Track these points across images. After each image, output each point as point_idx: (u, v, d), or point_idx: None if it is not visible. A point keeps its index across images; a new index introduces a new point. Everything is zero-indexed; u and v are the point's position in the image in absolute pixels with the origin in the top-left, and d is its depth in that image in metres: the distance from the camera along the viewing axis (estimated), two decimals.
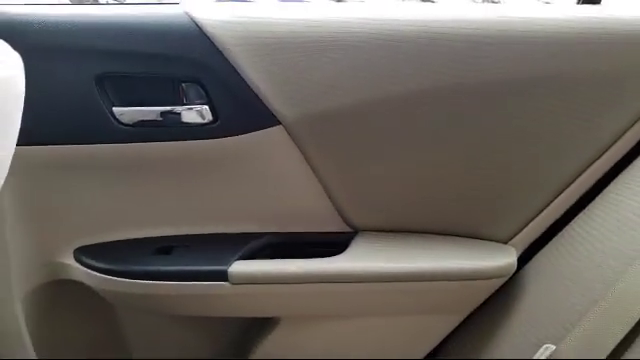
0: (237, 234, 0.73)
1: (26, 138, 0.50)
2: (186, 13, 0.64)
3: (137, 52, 0.63)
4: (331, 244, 0.72)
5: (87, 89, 0.63)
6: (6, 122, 0.47)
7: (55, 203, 0.69)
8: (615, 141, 0.67)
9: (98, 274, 0.69)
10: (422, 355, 0.74)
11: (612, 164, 0.68)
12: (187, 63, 0.65)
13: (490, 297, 0.72)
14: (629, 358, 0.57)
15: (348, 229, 0.73)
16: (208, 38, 0.64)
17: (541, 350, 0.65)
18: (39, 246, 0.71)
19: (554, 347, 0.64)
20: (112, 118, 0.64)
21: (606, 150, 0.67)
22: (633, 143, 0.67)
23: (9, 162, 0.50)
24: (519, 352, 0.66)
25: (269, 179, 0.71)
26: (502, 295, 0.72)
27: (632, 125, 0.66)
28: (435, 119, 0.67)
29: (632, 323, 0.58)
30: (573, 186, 0.69)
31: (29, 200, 0.67)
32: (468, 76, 0.64)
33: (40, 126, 0.58)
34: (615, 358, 0.58)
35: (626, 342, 0.58)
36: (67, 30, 0.62)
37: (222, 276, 0.67)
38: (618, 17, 0.65)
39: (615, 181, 0.68)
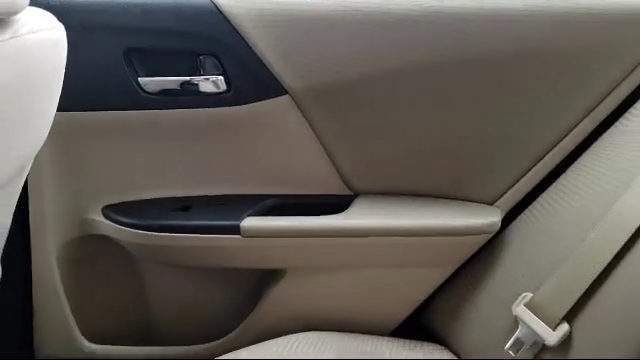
0: (248, 195, 0.81)
1: (62, 105, 0.58)
2: None
3: (161, 29, 0.72)
4: (333, 205, 0.80)
5: (116, 62, 0.72)
6: (51, 89, 0.55)
7: (86, 165, 0.78)
8: (588, 113, 0.74)
9: (124, 228, 0.78)
10: (414, 306, 0.82)
11: (586, 134, 0.75)
12: (205, 38, 0.73)
13: (476, 253, 0.79)
14: (593, 306, 0.65)
15: (349, 192, 0.81)
16: (224, 16, 0.72)
17: (519, 299, 0.73)
18: (71, 203, 0.79)
19: (531, 295, 0.72)
20: (138, 87, 0.73)
21: (580, 121, 0.74)
22: (604, 115, 0.74)
23: (50, 125, 0.58)
24: (501, 301, 0.74)
25: (277, 145, 0.78)
26: (487, 251, 0.80)
27: (603, 99, 0.73)
28: (427, 91, 0.75)
29: (597, 273, 0.65)
30: (552, 153, 0.76)
31: (63, 161, 0.75)
32: (456, 52, 0.72)
33: (74, 95, 0.65)
34: (581, 304, 0.66)
35: (591, 290, 0.66)
36: (100, 10, 0.70)
37: (235, 230, 0.75)
38: None
39: (589, 149, 0.75)
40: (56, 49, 0.51)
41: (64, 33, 0.53)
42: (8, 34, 0.42)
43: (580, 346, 0.65)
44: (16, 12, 0.42)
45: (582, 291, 0.66)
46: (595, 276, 0.66)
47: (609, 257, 0.65)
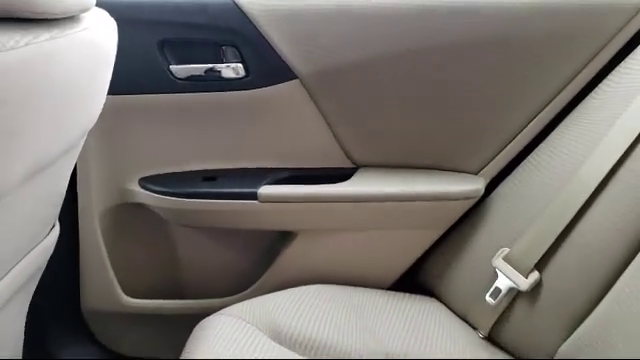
0: (264, 168, 0.92)
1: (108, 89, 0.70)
2: None
3: (189, 23, 0.83)
4: (338, 176, 0.91)
5: (151, 52, 0.83)
6: (104, 75, 0.66)
7: (125, 142, 0.89)
8: (558, 93, 0.84)
9: (157, 196, 0.90)
10: (409, 263, 0.93)
11: (559, 110, 0.86)
12: (226, 31, 0.84)
13: (463, 216, 0.91)
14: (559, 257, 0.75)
15: (351, 164, 0.92)
16: (242, 12, 0.83)
17: (498, 253, 0.83)
18: (112, 175, 0.91)
19: (508, 249, 0.83)
20: (169, 74, 0.85)
21: (552, 100, 0.85)
22: (573, 94, 0.85)
23: (101, 107, 0.69)
24: (483, 256, 0.85)
25: (288, 124, 0.90)
26: (472, 214, 0.91)
27: (571, 80, 0.84)
28: (417, 75, 0.86)
29: (562, 227, 0.75)
30: (527, 128, 0.87)
31: (105, 139, 0.87)
32: (440, 40, 0.83)
33: (116, 80, 0.76)
34: (549, 255, 0.77)
35: (557, 243, 0.76)
36: (138, 7, 0.82)
37: (253, 196, 0.87)
38: None
39: (560, 124, 0.85)
40: (111, 40, 0.63)
41: (116, 27, 0.65)
42: (80, 27, 0.53)
43: (549, 290, 0.76)
44: (86, 10, 0.54)
45: (550, 244, 0.77)
46: (560, 230, 0.76)
47: (572, 214, 0.75)
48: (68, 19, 0.53)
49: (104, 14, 0.63)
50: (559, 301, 0.75)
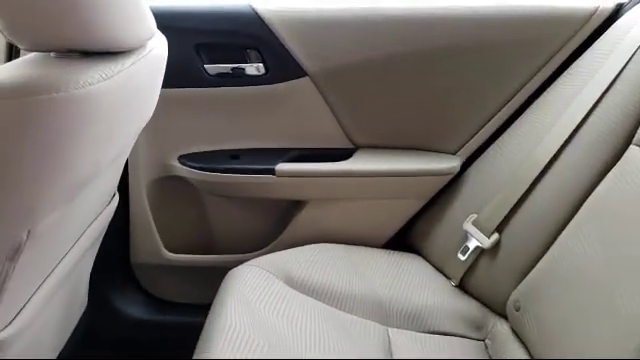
0: (280, 148, 1.11)
1: None
2: (249, 5, 1.00)
3: (220, 30, 1.01)
4: (341, 155, 1.10)
5: (190, 53, 1.01)
6: (160, 80, 0.83)
7: (168, 126, 1.07)
8: (522, 87, 1.02)
9: (193, 170, 1.09)
10: (399, 226, 1.13)
11: (521, 102, 1.03)
12: (249, 36, 1.02)
13: (442, 188, 1.09)
14: (516, 220, 0.93)
15: (351, 145, 1.11)
16: (263, 21, 1.00)
17: (468, 218, 1.01)
18: (156, 153, 1.10)
19: (476, 215, 1.01)
20: (204, 71, 1.03)
21: (516, 93, 1.03)
22: (533, 90, 1.02)
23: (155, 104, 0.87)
24: (457, 222, 1.03)
25: (300, 112, 1.08)
26: (450, 187, 1.10)
27: (532, 77, 1.01)
28: (406, 71, 1.04)
29: (519, 196, 0.93)
30: (497, 116, 1.05)
31: (152, 124, 1.05)
32: (426, 43, 1.00)
33: (163, 77, 0.94)
34: (508, 219, 0.95)
35: (514, 209, 0.94)
36: (179, 16, 1.00)
37: (271, 171, 1.07)
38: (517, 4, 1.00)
39: (523, 114, 1.03)
40: (165, 53, 0.80)
41: (166, 42, 0.82)
42: (147, 50, 0.71)
43: (505, 248, 0.95)
44: (151, 37, 0.71)
45: (507, 210, 0.95)
46: (516, 200, 0.95)
47: (526, 186, 0.94)
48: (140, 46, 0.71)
49: (158, 33, 0.80)
50: (513, 256, 0.94)
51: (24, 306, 0.68)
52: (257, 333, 0.81)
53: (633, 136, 0.82)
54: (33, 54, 0.62)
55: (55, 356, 0.92)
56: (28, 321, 0.68)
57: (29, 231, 0.58)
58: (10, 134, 0.52)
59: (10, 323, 0.65)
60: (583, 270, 0.79)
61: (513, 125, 1.03)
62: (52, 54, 0.60)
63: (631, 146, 0.82)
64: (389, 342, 0.89)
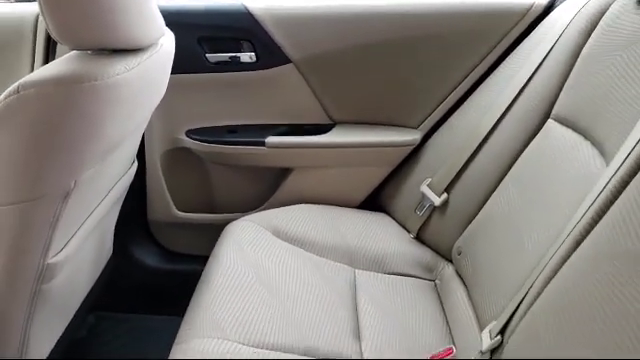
0: (270, 124, 1.31)
1: None
2: (242, 4, 1.19)
3: (219, 25, 1.21)
4: (321, 129, 1.30)
5: (194, 44, 1.21)
6: (168, 70, 1.03)
7: (177, 105, 1.27)
8: (472, 70, 1.22)
9: (198, 142, 1.29)
10: (370, 190, 1.33)
11: (471, 83, 1.23)
12: (243, 30, 1.22)
13: (405, 158, 1.29)
14: (462, 181, 1.12)
15: (330, 121, 1.31)
16: (253, 17, 1.20)
17: (424, 182, 1.20)
18: (168, 128, 1.30)
19: (430, 179, 1.20)
20: (206, 60, 1.23)
21: (467, 75, 1.22)
22: (481, 73, 1.21)
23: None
24: (417, 185, 1.22)
25: (286, 93, 1.28)
26: (411, 157, 1.30)
27: (479, 63, 1.21)
28: (377, 58, 1.23)
29: (465, 159, 1.12)
30: (451, 96, 1.25)
31: (164, 104, 1.21)
32: (395, 33, 1.21)
33: (172, 65, 1.13)
34: (456, 179, 1.14)
35: (461, 171, 1.13)
36: (184, 14, 1.20)
37: (262, 143, 1.27)
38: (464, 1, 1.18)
39: (473, 94, 1.22)
40: (172, 47, 1.00)
41: (174, 37, 1.01)
42: (159, 45, 0.90)
43: (452, 204, 1.14)
44: (162, 36, 0.90)
45: (454, 174, 1.15)
46: (461, 166, 1.14)
47: (469, 153, 1.12)
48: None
49: (167, 31, 0.99)
50: (457, 212, 1.13)
51: (69, 240, 0.89)
52: (248, 270, 1.01)
53: (551, 111, 1.01)
54: (73, 52, 0.82)
55: (87, 291, 1.13)
56: (72, 253, 0.89)
57: (75, 181, 0.79)
58: (63, 111, 0.72)
59: (61, 250, 0.86)
60: (506, 218, 0.99)
61: (463, 104, 1.22)
62: (89, 52, 0.80)
63: (549, 120, 1.01)
64: (354, 279, 1.10)
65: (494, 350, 0.81)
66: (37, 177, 0.74)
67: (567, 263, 0.70)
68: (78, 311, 1.14)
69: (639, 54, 0.80)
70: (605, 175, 0.72)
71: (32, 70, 1.28)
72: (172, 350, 0.86)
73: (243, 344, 0.85)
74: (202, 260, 1.11)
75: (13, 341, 0.88)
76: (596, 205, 0.70)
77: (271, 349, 0.86)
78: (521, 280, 0.84)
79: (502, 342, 0.79)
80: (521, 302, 0.78)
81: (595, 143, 0.85)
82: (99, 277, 1.22)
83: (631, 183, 0.65)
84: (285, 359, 0.86)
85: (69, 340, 1.13)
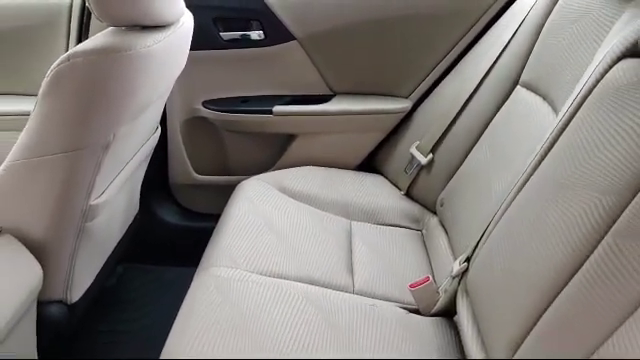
0: (276, 95, 1.46)
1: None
2: None
3: (231, 7, 1.36)
4: (322, 99, 1.45)
5: (209, 24, 1.36)
6: (188, 45, 1.17)
7: (195, 78, 1.42)
8: (455, 44, 1.36)
9: (213, 111, 1.45)
10: (366, 153, 1.48)
11: (456, 55, 1.37)
12: (253, 11, 1.37)
13: (397, 124, 1.44)
14: (445, 142, 1.26)
15: (330, 92, 1.46)
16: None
17: (413, 144, 1.35)
18: (186, 99, 1.46)
19: (419, 142, 1.34)
20: (220, 38, 1.38)
21: (451, 49, 1.37)
22: (463, 47, 1.36)
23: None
24: (406, 148, 1.37)
25: (291, 67, 1.43)
26: (402, 123, 1.45)
27: (461, 38, 1.35)
28: (372, 34, 1.38)
29: (448, 121, 1.26)
30: (437, 68, 1.39)
31: (184, 77, 1.35)
32: (388, 12, 1.37)
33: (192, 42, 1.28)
34: (440, 141, 1.28)
35: (444, 134, 1.27)
36: None
37: (270, 112, 1.43)
38: None
39: (457, 65, 1.36)
40: (191, 25, 1.14)
41: (192, 16, 1.16)
42: (181, 23, 1.05)
43: (437, 164, 1.29)
44: (183, 14, 1.05)
45: (439, 136, 1.29)
46: (445, 128, 1.28)
47: (451, 118, 1.27)
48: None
49: (187, 11, 1.14)
50: (441, 170, 1.28)
51: (107, 187, 1.06)
52: (257, 219, 1.17)
53: (519, 79, 1.15)
54: (110, 28, 0.97)
55: (117, 241, 1.29)
56: (109, 198, 1.05)
57: (114, 134, 0.95)
58: (104, 75, 0.88)
59: (101, 194, 1.03)
60: (479, 172, 1.13)
61: (448, 75, 1.37)
62: (123, 28, 0.95)
63: (517, 86, 1.14)
64: (350, 228, 1.25)
65: (462, 275, 0.96)
66: (84, 130, 0.90)
67: (518, 196, 0.85)
68: (109, 261, 1.30)
69: (584, 27, 0.94)
70: (553, 124, 0.86)
71: (67, 46, 1.44)
72: (194, 277, 1.02)
73: (251, 272, 1.00)
74: (217, 218, 1.26)
75: (60, 275, 1.05)
76: (544, 147, 0.84)
77: (274, 277, 1.01)
78: (488, 218, 0.99)
79: (468, 268, 0.94)
80: (484, 233, 0.92)
81: (550, 102, 0.99)
82: (127, 231, 1.39)
83: (568, 126, 0.79)
84: (287, 284, 1.01)
85: (100, 287, 1.29)
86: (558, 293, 0.67)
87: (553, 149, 0.81)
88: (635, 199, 0.61)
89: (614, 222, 0.62)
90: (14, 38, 1.45)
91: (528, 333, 0.70)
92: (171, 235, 1.58)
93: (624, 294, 0.59)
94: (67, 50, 1.43)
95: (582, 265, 0.65)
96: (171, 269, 1.58)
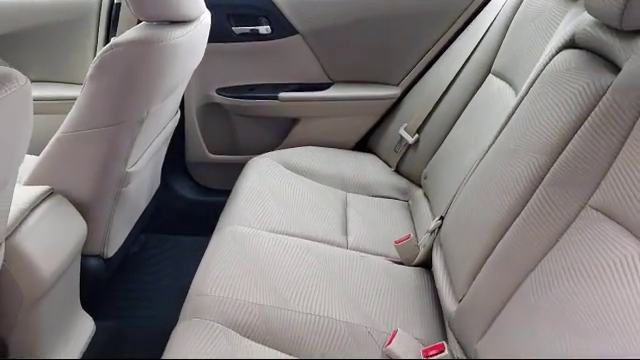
0: (282, 83, 1.63)
1: None
2: None
3: (242, 4, 1.52)
4: (322, 87, 1.62)
5: (223, 20, 1.52)
6: (206, 38, 1.34)
7: (208, 68, 1.58)
8: (440, 37, 1.53)
9: (225, 97, 1.62)
10: (361, 134, 1.65)
11: (440, 47, 1.53)
12: (261, 9, 1.54)
13: (388, 109, 1.60)
14: (431, 122, 1.43)
15: (329, 80, 1.64)
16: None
17: (402, 126, 1.52)
18: (201, 87, 1.63)
19: (407, 124, 1.51)
20: (232, 32, 1.54)
21: (437, 40, 1.54)
22: (448, 38, 1.53)
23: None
24: (395, 129, 1.54)
25: (295, 58, 1.60)
26: (393, 108, 1.61)
27: (446, 31, 1.52)
28: (365, 31, 1.54)
29: (433, 103, 1.43)
30: (424, 58, 1.56)
31: (200, 67, 1.54)
32: (381, 11, 1.53)
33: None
34: (425, 122, 1.45)
35: (430, 115, 1.44)
36: None
37: (276, 98, 1.60)
38: None
39: (441, 56, 1.52)
40: (209, 21, 1.31)
41: (209, 13, 1.33)
42: (201, 19, 1.22)
43: (422, 143, 1.46)
44: (204, 12, 1.22)
45: (424, 118, 1.46)
46: (429, 111, 1.45)
47: (434, 102, 1.43)
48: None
49: (206, 9, 1.31)
50: (426, 147, 1.45)
51: (139, 157, 1.23)
52: (265, 189, 1.34)
53: (491, 68, 1.32)
54: (143, 23, 1.13)
55: (144, 207, 1.47)
56: (140, 167, 1.23)
57: (147, 112, 1.12)
58: (140, 62, 1.05)
59: (135, 163, 1.20)
60: (456, 148, 1.31)
61: (432, 66, 1.55)
62: (154, 23, 1.12)
63: (490, 74, 1.31)
64: (346, 199, 1.42)
65: (438, 231, 1.13)
66: (123, 107, 1.08)
67: (482, 162, 1.02)
68: (136, 225, 1.48)
69: (540, 24, 1.11)
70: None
71: (96, 40, 1.61)
72: (213, 235, 1.19)
73: (261, 229, 1.18)
74: (228, 193, 1.42)
75: (100, 232, 1.22)
76: (503, 122, 1.01)
77: (281, 234, 1.19)
78: (460, 183, 1.16)
79: (442, 224, 1.11)
80: (455, 195, 1.09)
81: (514, 87, 1.16)
82: (150, 202, 1.56)
83: (520, 105, 0.96)
84: (292, 239, 1.18)
85: (125, 253, 1.47)
86: (504, 233, 0.84)
87: (509, 123, 0.98)
88: (560, 157, 0.78)
89: (545, 175, 0.80)
90: (50, 32, 1.63)
91: (483, 264, 0.87)
92: (187, 208, 1.76)
93: (550, 229, 0.76)
94: (96, 43, 1.62)
95: (522, 210, 0.82)
96: (187, 238, 1.76)
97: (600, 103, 0.75)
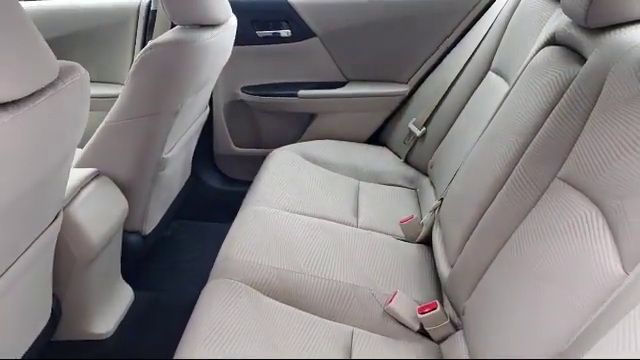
0: (301, 82, 1.77)
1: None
2: None
3: (265, 10, 1.66)
4: (338, 85, 1.75)
5: (248, 24, 1.67)
6: (233, 40, 1.48)
7: (234, 69, 1.72)
8: (447, 37, 1.65)
9: (249, 95, 1.77)
10: (374, 129, 1.78)
11: (447, 47, 1.64)
12: (282, 14, 1.68)
13: (398, 105, 1.72)
14: (436, 118, 1.54)
15: (344, 79, 1.77)
16: (289, 5, 1.65)
17: (411, 121, 1.63)
18: (228, 85, 1.78)
19: (415, 118, 1.62)
20: (256, 35, 1.69)
21: (443, 41, 1.65)
22: (454, 39, 1.65)
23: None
24: (405, 124, 1.65)
25: (313, 59, 1.74)
26: (403, 104, 1.74)
27: (452, 32, 1.63)
28: (381, 32, 1.68)
29: (438, 99, 1.55)
30: (432, 57, 1.68)
31: (227, 66, 1.69)
32: (392, 13, 1.66)
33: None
34: (430, 118, 1.56)
35: (435, 110, 1.55)
36: (243, 4, 1.64)
37: (295, 95, 1.74)
38: None
39: (447, 55, 1.64)
40: (235, 24, 1.45)
41: (235, 17, 1.47)
42: (229, 22, 1.36)
43: (429, 135, 1.57)
44: (230, 16, 1.36)
45: (430, 112, 1.57)
46: (434, 106, 1.56)
47: (439, 98, 1.55)
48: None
49: (232, 14, 1.45)
50: (431, 139, 1.57)
51: (174, 145, 1.38)
52: (284, 177, 1.47)
53: (491, 66, 1.43)
54: (177, 26, 1.28)
55: (176, 193, 1.61)
56: (175, 154, 1.38)
57: (181, 104, 1.26)
58: (176, 61, 1.20)
59: (170, 150, 1.35)
60: (459, 138, 1.42)
61: (438, 65, 1.67)
62: (187, 26, 1.26)
63: (489, 72, 1.42)
64: (358, 186, 1.54)
65: (438, 209, 1.24)
66: (160, 100, 1.23)
67: (476, 146, 1.14)
68: (169, 210, 1.62)
69: (531, 24, 1.23)
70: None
71: (134, 42, 1.77)
72: (237, 215, 1.32)
73: (280, 209, 1.31)
74: (251, 184, 1.57)
75: (139, 210, 1.38)
76: (494, 112, 1.12)
77: (298, 213, 1.31)
78: (456, 167, 1.27)
79: (442, 203, 1.22)
80: (453, 178, 1.21)
81: (508, 81, 1.27)
82: (181, 190, 1.71)
83: (508, 96, 1.08)
84: (307, 219, 1.31)
85: (160, 234, 1.62)
86: (489, 206, 0.96)
87: (498, 111, 1.10)
88: (534, 138, 0.89)
89: (523, 154, 0.91)
90: (92, 35, 1.80)
91: (470, 234, 0.98)
92: (214, 197, 1.90)
93: (525, 199, 0.88)
94: (134, 45, 1.78)
95: (504, 185, 0.94)
96: (214, 224, 1.87)
97: (568, 90, 0.87)
